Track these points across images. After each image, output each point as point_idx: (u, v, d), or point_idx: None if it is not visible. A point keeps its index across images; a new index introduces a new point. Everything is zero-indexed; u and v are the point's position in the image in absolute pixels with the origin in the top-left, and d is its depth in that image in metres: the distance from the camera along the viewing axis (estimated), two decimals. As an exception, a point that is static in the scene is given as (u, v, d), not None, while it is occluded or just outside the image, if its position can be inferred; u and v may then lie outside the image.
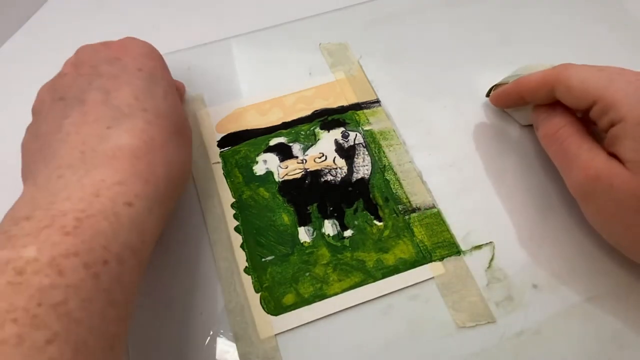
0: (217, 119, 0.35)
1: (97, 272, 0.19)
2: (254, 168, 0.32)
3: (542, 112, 0.29)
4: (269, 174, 0.32)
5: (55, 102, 0.26)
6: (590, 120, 0.27)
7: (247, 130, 0.34)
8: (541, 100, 0.29)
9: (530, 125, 0.33)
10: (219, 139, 0.34)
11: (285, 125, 0.34)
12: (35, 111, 0.27)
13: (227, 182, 0.32)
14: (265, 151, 0.33)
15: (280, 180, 0.32)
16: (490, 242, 0.30)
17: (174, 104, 0.28)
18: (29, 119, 0.36)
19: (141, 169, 0.23)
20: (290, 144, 0.34)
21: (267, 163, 0.33)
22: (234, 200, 0.31)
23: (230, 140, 0.34)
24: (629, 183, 0.23)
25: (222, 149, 0.33)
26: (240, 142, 0.34)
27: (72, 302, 0.18)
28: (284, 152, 0.33)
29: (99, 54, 0.27)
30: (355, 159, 0.33)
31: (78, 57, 0.28)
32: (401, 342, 0.27)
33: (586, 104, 0.26)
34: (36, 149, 0.25)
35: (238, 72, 0.37)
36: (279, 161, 0.33)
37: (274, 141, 0.34)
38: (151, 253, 0.24)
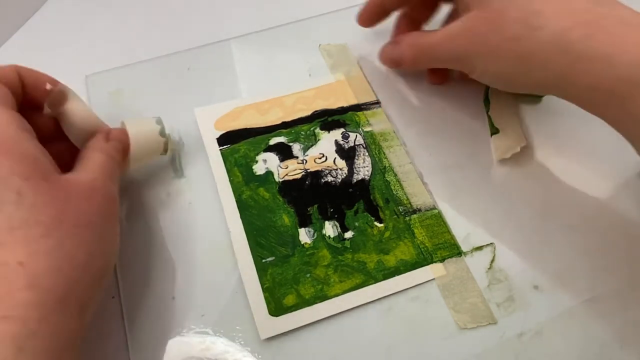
0: (215, 116, 0.35)
1: None
2: (253, 167, 0.32)
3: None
4: (269, 173, 0.32)
5: None
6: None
7: (246, 129, 0.34)
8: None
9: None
10: (217, 136, 0.34)
11: (285, 125, 0.34)
12: None
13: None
14: (265, 150, 0.33)
15: (281, 180, 0.32)
16: (491, 243, 0.30)
17: (35, 199, 0.22)
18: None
19: None
20: (291, 144, 0.33)
21: (267, 163, 0.33)
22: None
23: (229, 139, 0.34)
24: (484, 24, 0.28)
25: (221, 147, 0.33)
26: (239, 141, 0.34)
27: None
28: (284, 152, 0.33)
29: None
30: (355, 160, 0.33)
31: None
32: (402, 344, 0.26)
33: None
34: None
35: (238, 73, 0.37)
36: (279, 161, 0.33)
37: (273, 140, 0.34)
38: None
